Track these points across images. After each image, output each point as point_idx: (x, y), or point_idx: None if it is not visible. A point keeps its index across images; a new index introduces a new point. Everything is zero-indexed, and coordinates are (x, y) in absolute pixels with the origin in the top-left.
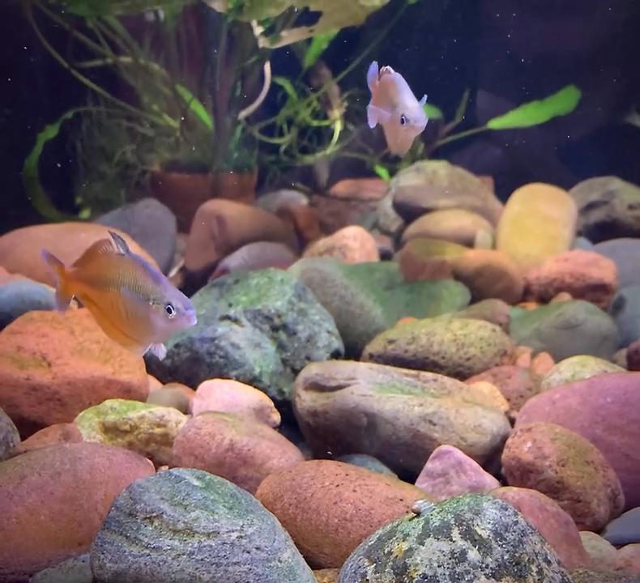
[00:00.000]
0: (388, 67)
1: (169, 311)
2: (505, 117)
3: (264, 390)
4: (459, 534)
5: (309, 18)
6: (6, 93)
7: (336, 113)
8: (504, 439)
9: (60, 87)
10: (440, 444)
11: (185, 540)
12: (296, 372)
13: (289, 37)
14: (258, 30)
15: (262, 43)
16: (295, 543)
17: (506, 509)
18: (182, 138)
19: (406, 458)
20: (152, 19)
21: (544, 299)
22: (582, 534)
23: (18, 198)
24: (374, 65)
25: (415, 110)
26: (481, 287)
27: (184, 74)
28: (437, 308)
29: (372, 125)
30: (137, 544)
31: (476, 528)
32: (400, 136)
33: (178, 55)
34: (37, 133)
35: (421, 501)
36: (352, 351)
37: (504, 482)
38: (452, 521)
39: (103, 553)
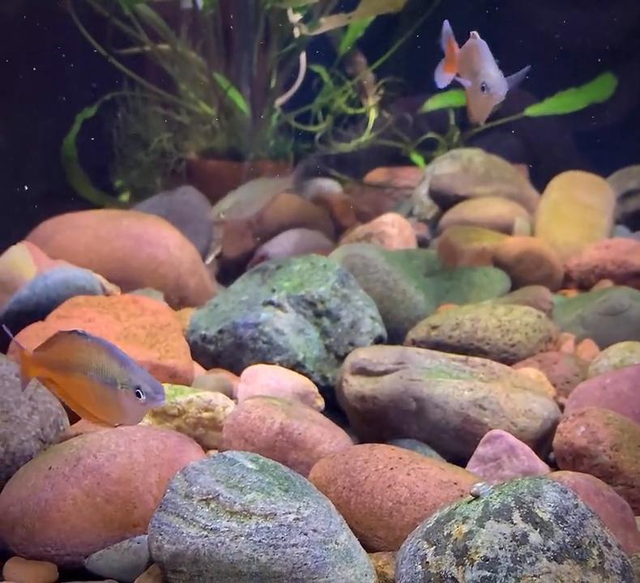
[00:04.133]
0: (475, 32)
1: (138, 395)
2: (542, 104)
3: (308, 376)
4: (520, 516)
5: (346, 5)
6: (47, 81)
7: (371, 101)
8: (554, 424)
9: (98, 74)
10: (490, 429)
11: (242, 522)
12: (339, 357)
13: (327, 24)
14: (295, 17)
15: (300, 30)
16: (348, 526)
17: (566, 492)
18: (218, 125)
19: (455, 443)
20: (190, 7)
21: (584, 286)
22: (637, 518)
23: (60, 184)
24: (447, 23)
25: (496, 79)
26: (521, 273)
27: (221, 62)
28: (478, 294)
29: (441, 85)
30: (194, 525)
31: (537, 510)
32: (479, 104)
33: (215, 42)
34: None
35: (480, 484)
36: (394, 337)
37: (554, 468)
38: (512, 504)
39: (161, 534)
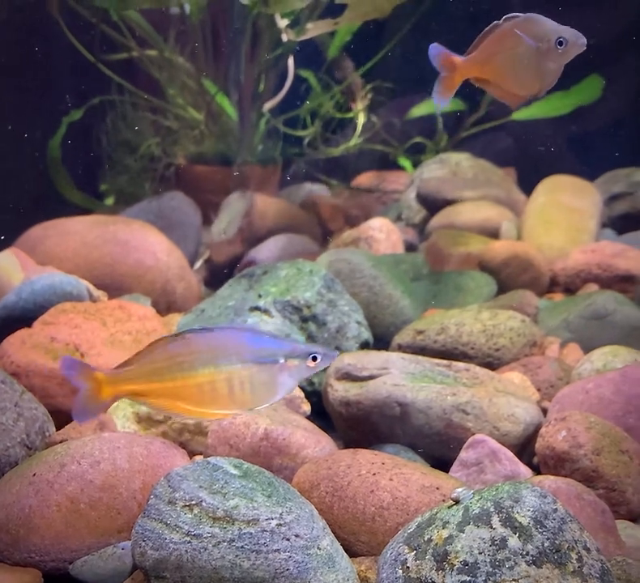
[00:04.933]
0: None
1: (315, 358)
2: (529, 108)
3: None
4: (499, 521)
5: (334, 10)
6: (34, 87)
7: (359, 105)
8: (537, 428)
9: (86, 80)
10: (473, 434)
11: (225, 527)
12: None
13: (314, 30)
14: (282, 22)
15: (287, 35)
16: (331, 531)
17: (545, 497)
18: (207, 130)
19: (439, 448)
20: (178, 12)
21: (570, 290)
22: (617, 522)
23: (46, 189)
24: (434, 46)
25: (571, 31)
26: (507, 278)
27: (209, 67)
28: (464, 299)
29: (443, 104)
30: (177, 531)
31: (516, 515)
32: (551, 67)
33: (203, 48)
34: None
35: (460, 489)
36: (380, 341)
37: (537, 472)
38: (492, 509)
39: (144, 540)
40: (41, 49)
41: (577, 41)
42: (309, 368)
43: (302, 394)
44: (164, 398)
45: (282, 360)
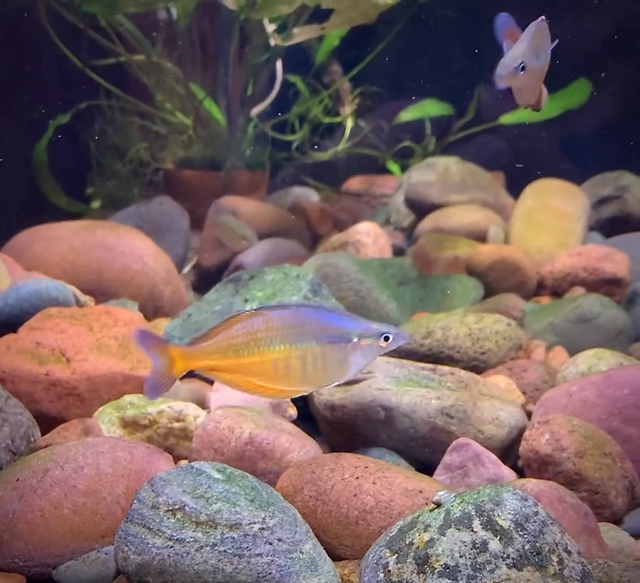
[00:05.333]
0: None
1: (386, 338)
2: (517, 111)
3: None
4: (480, 524)
5: (321, 15)
6: (22, 93)
7: (348, 110)
8: (521, 431)
9: (74, 85)
10: (457, 437)
11: (207, 532)
12: None
13: (301, 35)
14: (269, 27)
15: (274, 40)
16: (315, 535)
17: (526, 500)
18: (195, 135)
19: (423, 451)
20: (165, 17)
21: (557, 293)
22: (600, 525)
23: (34, 193)
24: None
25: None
26: (495, 281)
27: (196, 72)
28: (451, 302)
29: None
30: (160, 536)
31: (497, 518)
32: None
33: (191, 53)
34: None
35: (442, 492)
36: None
37: (521, 475)
38: (473, 512)
39: (127, 545)
40: (29, 55)
41: (505, 69)
42: (381, 347)
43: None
44: (238, 374)
45: (355, 339)
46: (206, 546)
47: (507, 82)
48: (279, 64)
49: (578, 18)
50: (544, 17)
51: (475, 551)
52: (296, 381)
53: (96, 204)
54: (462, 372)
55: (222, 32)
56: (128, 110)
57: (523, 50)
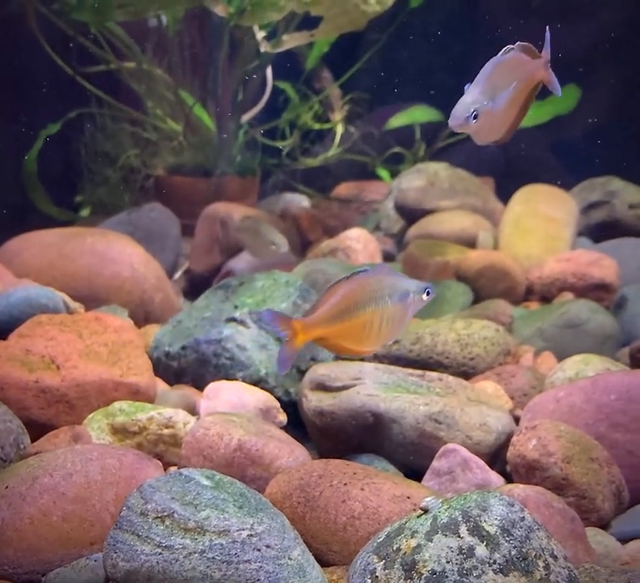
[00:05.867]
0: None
1: (428, 293)
2: None
3: (270, 391)
4: (467, 530)
5: (310, 22)
6: (12, 100)
7: (338, 116)
8: (509, 437)
9: (64, 92)
10: (445, 443)
11: (196, 539)
12: (301, 372)
13: (290, 41)
14: (259, 34)
15: (264, 47)
16: (304, 541)
17: (513, 505)
18: (185, 142)
19: (412, 457)
20: (155, 25)
21: (546, 298)
22: (587, 529)
23: (24, 201)
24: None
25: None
26: (484, 287)
27: (186, 79)
28: (441, 308)
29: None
30: (149, 543)
31: (484, 524)
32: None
33: (181, 60)
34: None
35: (429, 498)
36: None
37: (509, 480)
38: (460, 518)
39: (116, 552)
40: (19, 62)
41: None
42: (423, 301)
43: (278, 404)
44: (339, 339)
45: (411, 296)
46: (195, 552)
47: (460, 130)
48: (268, 70)
49: (567, 23)
50: (510, 46)
51: (461, 556)
52: (371, 341)
53: (85, 212)
54: (451, 378)
55: (212, 39)
56: (118, 117)
57: (475, 96)
